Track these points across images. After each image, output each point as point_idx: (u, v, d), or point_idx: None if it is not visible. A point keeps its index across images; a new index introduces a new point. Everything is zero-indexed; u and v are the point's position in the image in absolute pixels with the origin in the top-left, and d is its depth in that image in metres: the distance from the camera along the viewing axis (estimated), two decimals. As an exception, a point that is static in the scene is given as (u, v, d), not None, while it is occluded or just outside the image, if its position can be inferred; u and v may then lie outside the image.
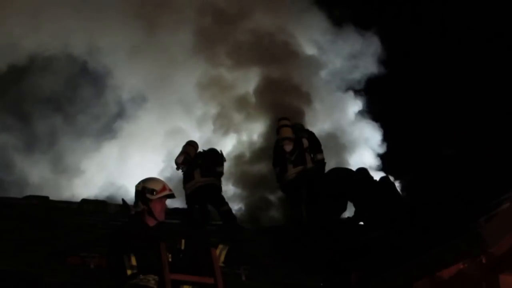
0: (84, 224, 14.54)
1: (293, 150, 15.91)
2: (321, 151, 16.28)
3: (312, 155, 16.09)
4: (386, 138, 21.87)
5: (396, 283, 10.42)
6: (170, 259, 8.12)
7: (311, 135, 16.46)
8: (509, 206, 9.87)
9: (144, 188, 8.34)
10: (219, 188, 15.75)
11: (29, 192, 18.91)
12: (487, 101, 21.14)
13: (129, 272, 7.94)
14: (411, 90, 22.92)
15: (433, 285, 10.17)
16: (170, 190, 8.43)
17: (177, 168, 15.96)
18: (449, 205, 12.32)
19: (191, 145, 16.28)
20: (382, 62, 22.49)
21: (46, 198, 17.06)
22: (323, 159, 16.26)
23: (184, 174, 15.86)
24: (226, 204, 15.59)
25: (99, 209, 16.23)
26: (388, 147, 21.60)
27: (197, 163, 15.78)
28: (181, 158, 15.87)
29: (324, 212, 15.65)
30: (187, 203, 15.63)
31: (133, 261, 7.94)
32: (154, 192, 8.29)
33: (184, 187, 15.68)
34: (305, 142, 16.05)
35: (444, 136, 20.63)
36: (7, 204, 15.81)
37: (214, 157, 15.99)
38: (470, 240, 9.76)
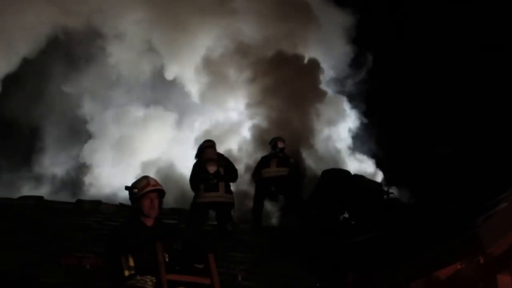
0: (79, 224, 14.50)
1: (282, 149, 17.12)
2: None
3: (293, 161, 17.30)
4: (381, 138, 21.92)
5: (392, 283, 10.43)
6: (167, 259, 8.12)
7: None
8: (507, 206, 9.89)
9: (130, 187, 8.45)
10: (233, 206, 15.44)
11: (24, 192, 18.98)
12: (484, 101, 21.18)
13: (126, 273, 7.94)
14: (407, 89, 22.97)
15: (429, 285, 10.20)
16: (154, 185, 8.41)
17: (207, 178, 15.10)
18: (446, 205, 12.34)
19: (212, 148, 15.71)
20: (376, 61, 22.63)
21: (41, 198, 17.00)
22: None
23: (208, 183, 15.12)
24: (232, 223, 15.39)
25: (95, 209, 16.17)
26: (384, 147, 21.65)
27: (220, 174, 15.21)
28: (214, 168, 15.19)
29: (321, 212, 16.01)
30: (197, 209, 15.16)
31: (131, 262, 7.95)
32: (136, 190, 8.34)
33: (203, 195, 15.07)
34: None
35: (440, 135, 20.69)
36: (2, 204, 15.74)
37: (234, 175, 15.69)
38: (467, 240, 9.79)
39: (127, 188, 8.49)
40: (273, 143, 17.31)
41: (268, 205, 17.75)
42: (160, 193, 8.47)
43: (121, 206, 8.98)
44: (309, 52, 21.93)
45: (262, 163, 17.16)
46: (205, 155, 15.42)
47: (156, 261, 7.93)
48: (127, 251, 7.95)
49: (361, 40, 22.98)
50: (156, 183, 8.46)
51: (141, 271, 7.98)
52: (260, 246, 14.35)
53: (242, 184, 18.22)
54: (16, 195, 18.07)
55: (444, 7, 23.56)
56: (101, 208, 16.20)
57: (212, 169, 15.15)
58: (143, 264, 7.97)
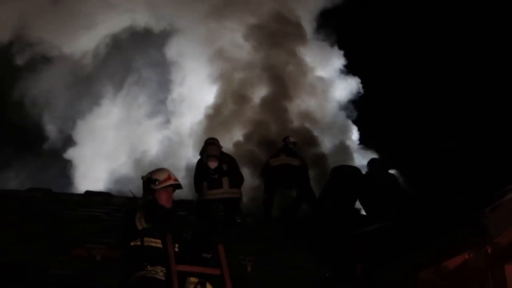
0: (88, 216, 14.53)
1: (294, 143, 17.47)
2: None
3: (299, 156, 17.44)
4: (391, 131, 22.01)
5: (401, 273, 10.47)
6: (176, 249, 8.20)
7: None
8: (514, 197, 9.89)
9: (149, 178, 8.49)
10: (240, 200, 15.61)
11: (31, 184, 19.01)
12: (490, 94, 21.17)
13: (138, 226, 8.10)
14: (415, 83, 22.98)
15: (438, 275, 10.23)
16: (175, 180, 8.53)
17: (209, 173, 15.11)
18: (454, 196, 12.37)
19: (214, 145, 15.63)
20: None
21: (49, 190, 17.04)
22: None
23: (210, 180, 15.13)
24: (241, 215, 15.49)
25: (103, 201, 16.22)
26: (393, 140, 21.70)
27: (223, 170, 15.22)
28: (215, 163, 15.20)
29: (326, 202, 16.17)
30: (204, 205, 15.22)
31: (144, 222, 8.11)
32: (157, 182, 8.42)
33: (207, 193, 15.08)
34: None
35: (448, 128, 20.71)
36: (11, 196, 15.79)
37: (238, 177, 15.59)
38: (475, 230, 9.82)
39: (144, 178, 8.54)
40: (285, 137, 17.70)
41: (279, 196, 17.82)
42: (177, 188, 8.61)
43: (134, 197, 8.98)
44: None
45: (272, 155, 17.37)
46: (206, 151, 15.42)
47: (166, 253, 8.02)
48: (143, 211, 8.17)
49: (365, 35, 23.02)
50: (176, 178, 8.57)
51: (152, 261, 8.07)
52: (269, 237, 14.40)
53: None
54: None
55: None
56: (110, 200, 16.29)
57: (212, 164, 15.15)
58: (153, 253, 8.07)
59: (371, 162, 17.40)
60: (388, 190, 16.07)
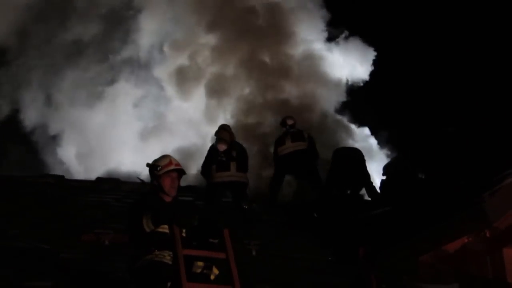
0: (98, 202, 14.70)
1: (293, 125, 17.18)
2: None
3: (307, 135, 17.22)
4: (391, 114, 22.04)
5: (403, 257, 10.61)
6: (184, 235, 8.36)
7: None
8: (512, 182, 10.03)
9: (152, 165, 8.66)
10: (247, 185, 15.80)
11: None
12: (491, 80, 21.19)
13: (146, 229, 8.19)
14: (417, 68, 23.00)
15: (438, 258, 10.38)
16: (177, 165, 8.67)
17: (217, 156, 15.52)
18: (454, 181, 12.47)
19: (225, 130, 16.11)
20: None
21: (62, 177, 17.29)
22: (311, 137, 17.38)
23: (219, 162, 15.52)
24: (247, 201, 15.63)
25: (113, 187, 16.40)
26: (392, 123, 21.76)
27: (232, 155, 15.56)
28: (224, 146, 15.57)
29: (332, 188, 16.25)
30: (212, 189, 15.51)
31: (150, 224, 8.20)
32: (159, 168, 8.56)
33: (215, 175, 15.41)
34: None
35: (448, 113, 20.73)
36: (24, 182, 15.98)
37: (245, 164, 15.85)
38: (474, 215, 9.97)
39: (148, 165, 8.72)
40: (283, 122, 17.41)
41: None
42: (181, 173, 8.76)
43: (142, 183, 9.17)
44: None
45: (278, 143, 17.17)
46: (218, 134, 15.79)
47: (173, 237, 8.15)
48: (149, 212, 8.20)
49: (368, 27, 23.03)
50: (178, 163, 8.71)
51: (160, 246, 8.26)
52: (274, 222, 14.53)
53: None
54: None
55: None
56: (120, 186, 16.47)
57: (221, 147, 15.53)
58: (161, 238, 8.27)
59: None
60: (399, 177, 16.14)
